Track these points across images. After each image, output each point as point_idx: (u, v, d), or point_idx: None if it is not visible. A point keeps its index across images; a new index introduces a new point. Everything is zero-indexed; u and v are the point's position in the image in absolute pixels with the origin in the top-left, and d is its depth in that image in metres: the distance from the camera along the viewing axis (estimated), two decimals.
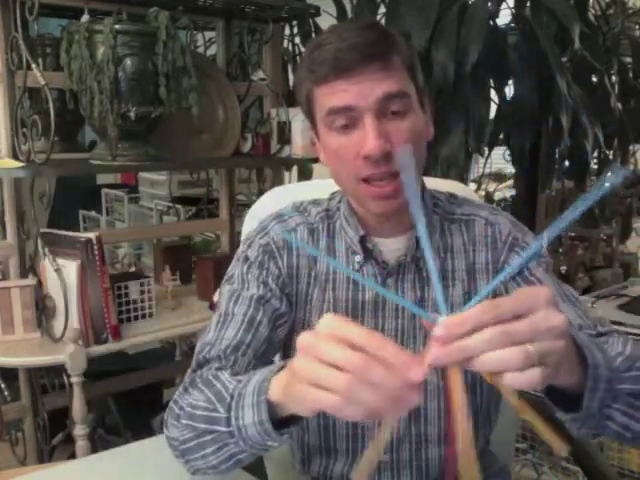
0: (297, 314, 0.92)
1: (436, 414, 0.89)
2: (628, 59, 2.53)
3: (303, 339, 0.55)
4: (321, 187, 1.07)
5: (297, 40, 2.45)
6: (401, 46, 0.83)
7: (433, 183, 0.99)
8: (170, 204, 2.60)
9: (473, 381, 0.90)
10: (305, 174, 2.31)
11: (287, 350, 0.96)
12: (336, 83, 0.79)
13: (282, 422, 0.65)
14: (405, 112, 0.81)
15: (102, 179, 3.49)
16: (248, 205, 1.26)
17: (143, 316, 1.69)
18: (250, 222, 1.12)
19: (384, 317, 0.89)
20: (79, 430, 1.49)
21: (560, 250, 3.24)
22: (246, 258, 0.92)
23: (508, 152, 2.23)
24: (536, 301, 0.50)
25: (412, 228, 0.88)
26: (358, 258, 0.90)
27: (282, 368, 0.64)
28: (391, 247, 0.89)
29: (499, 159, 2.63)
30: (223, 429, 0.70)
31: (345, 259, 0.91)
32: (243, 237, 1.09)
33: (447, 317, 0.49)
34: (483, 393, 0.93)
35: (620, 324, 1.92)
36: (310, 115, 0.87)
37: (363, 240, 0.89)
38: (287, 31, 2.42)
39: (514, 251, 0.90)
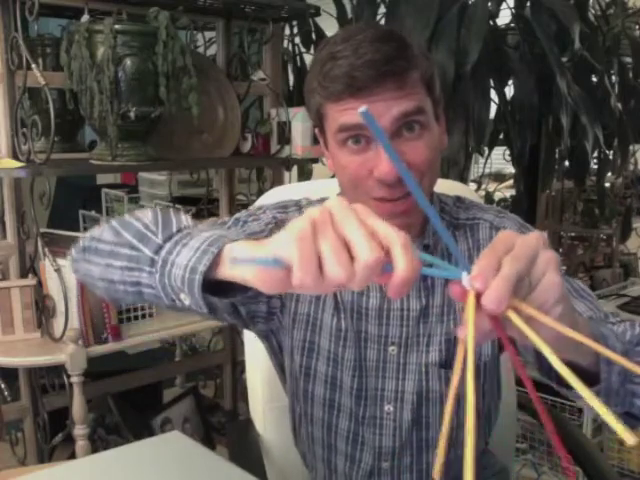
0: (298, 308, 0.91)
1: (438, 420, 0.89)
2: (628, 59, 2.53)
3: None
4: (322, 187, 1.07)
5: (297, 40, 2.45)
6: (419, 59, 0.79)
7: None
8: (170, 204, 2.60)
9: (475, 384, 0.90)
10: (305, 174, 2.31)
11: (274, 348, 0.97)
12: (349, 101, 0.76)
13: (216, 291, 0.57)
14: (421, 130, 0.78)
15: (102, 179, 3.48)
16: (248, 205, 1.26)
17: (143, 316, 1.69)
18: None
19: (388, 324, 0.88)
20: (79, 430, 1.49)
21: (560, 250, 3.25)
22: (255, 216, 0.90)
23: (508, 152, 2.23)
24: (514, 235, 0.50)
25: (417, 237, 0.87)
26: None
27: None
28: None
29: (499, 159, 2.62)
30: (148, 253, 0.61)
31: None
32: (257, 204, 1.04)
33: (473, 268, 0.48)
34: (485, 395, 0.93)
35: None
36: (320, 126, 0.85)
37: None
38: (287, 31, 2.42)
39: None
